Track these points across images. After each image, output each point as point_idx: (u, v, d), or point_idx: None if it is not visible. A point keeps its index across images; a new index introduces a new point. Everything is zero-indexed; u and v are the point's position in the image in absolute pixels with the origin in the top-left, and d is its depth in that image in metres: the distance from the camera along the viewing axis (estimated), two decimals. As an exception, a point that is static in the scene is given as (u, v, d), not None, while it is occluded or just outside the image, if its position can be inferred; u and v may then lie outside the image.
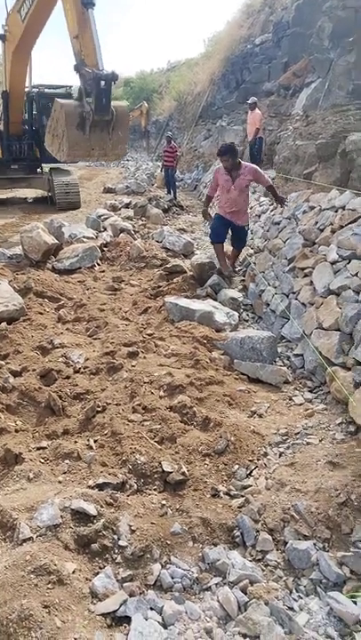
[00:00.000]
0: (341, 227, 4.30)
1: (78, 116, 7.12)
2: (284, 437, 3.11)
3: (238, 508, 2.56)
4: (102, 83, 7.08)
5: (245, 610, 2.06)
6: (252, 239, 6.98)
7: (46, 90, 13.64)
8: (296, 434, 3.13)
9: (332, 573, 2.19)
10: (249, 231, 7.39)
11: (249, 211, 8.09)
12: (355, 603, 2.08)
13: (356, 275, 3.69)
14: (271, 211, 6.78)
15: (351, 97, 8.24)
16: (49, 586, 2.01)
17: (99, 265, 7.31)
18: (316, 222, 4.88)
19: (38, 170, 13.82)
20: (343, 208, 4.50)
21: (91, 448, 3.00)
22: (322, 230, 4.69)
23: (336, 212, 4.61)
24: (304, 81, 11.25)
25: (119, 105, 7.39)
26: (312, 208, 5.26)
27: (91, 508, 2.38)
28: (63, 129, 7.19)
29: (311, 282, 4.40)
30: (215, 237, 6.04)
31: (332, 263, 4.14)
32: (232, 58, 17.20)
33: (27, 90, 12.35)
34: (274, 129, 11.26)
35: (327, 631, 2.00)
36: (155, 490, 2.73)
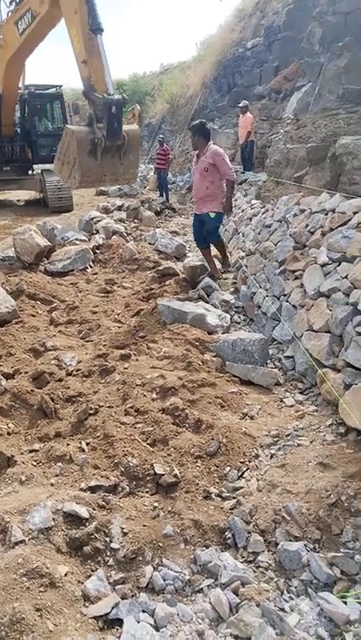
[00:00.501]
0: (331, 229, 4.34)
1: (90, 142, 7.09)
2: (275, 439, 3.13)
3: (230, 509, 2.58)
4: (113, 108, 7.06)
5: (237, 611, 2.07)
6: (243, 242, 7.02)
7: (37, 90, 13.62)
8: (287, 435, 3.16)
9: (323, 574, 2.21)
10: (240, 234, 7.42)
11: (240, 213, 8.14)
12: (345, 603, 2.10)
13: (346, 277, 3.72)
14: (263, 214, 6.82)
15: (341, 101, 8.30)
16: (41, 589, 2.01)
17: (91, 267, 7.31)
18: (307, 225, 4.91)
19: (30, 171, 13.79)
20: (333, 211, 4.53)
21: (83, 451, 3.00)
22: (312, 233, 4.73)
23: (326, 214, 4.65)
24: (295, 85, 11.32)
25: (131, 129, 7.38)
26: (303, 211, 5.29)
27: (83, 511, 2.39)
28: (75, 156, 7.10)
29: (302, 284, 4.43)
30: (197, 242, 6.02)
31: (323, 266, 4.18)
32: (224, 61, 17.29)
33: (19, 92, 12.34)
34: (265, 132, 11.33)
35: (318, 631, 2.02)
36: (147, 492, 2.73)
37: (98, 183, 7.37)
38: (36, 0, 8.83)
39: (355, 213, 4.18)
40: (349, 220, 4.19)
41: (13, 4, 9.75)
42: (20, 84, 12.01)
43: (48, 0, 8.36)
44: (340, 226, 4.25)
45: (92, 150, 7.18)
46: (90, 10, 7.31)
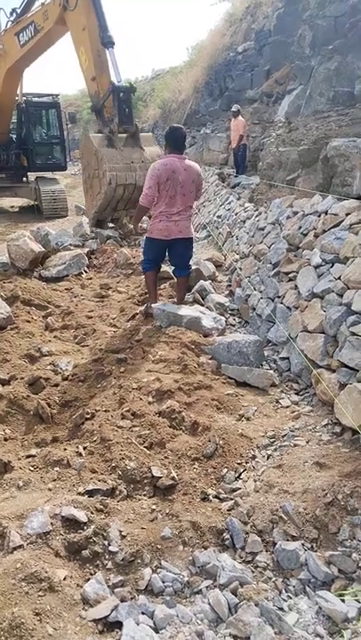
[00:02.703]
0: (324, 231, 4.37)
1: (105, 138, 7.20)
2: (271, 440, 3.15)
3: (228, 510, 2.59)
4: (122, 94, 7.14)
5: (236, 611, 2.08)
6: (237, 245, 7.05)
7: (34, 99, 13.67)
8: (283, 436, 3.17)
9: (321, 573, 2.22)
10: (234, 237, 7.46)
11: (233, 217, 8.19)
12: (343, 601, 2.11)
13: (339, 278, 3.75)
14: (256, 216, 6.86)
15: (332, 103, 8.39)
16: (40, 593, 2.01)
17: (86, 272, 7.33)
18: (300, 227, 4.95)
19: (24, 179, 13.82)
20: (326, 213, 4.57)
21: (80, 455, 3.00)
22: (305, 235, 4.76)
23: (319, 216, 4.69)
24: (286, 88, 11.41)
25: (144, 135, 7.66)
26: (295, 213, 5.33)
27: (81, 515, 2.39)
28: (95, 148, 7.22)
29: (296, 286, 4.46)
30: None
31: (316, 267, 4.21)
32: (215, 66, 17.39)
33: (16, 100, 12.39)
34: (257, 136, 11.41)
35: (316, 630, 2.03)
36: (145, 495, 2.74)
37: (128, 171, 7.36)
38: (40, 14, 8.79)
39: (347, 215, 4.22)
40: (342, 221, 4.22)
41: (14, 14, 9.73)
42: (18, 92, 12.04)
43: (55, 17, 8.31)
44: (332, 227, 4.28)
45: (109, 141, 7.24)
46: (101, 25, 7.34)
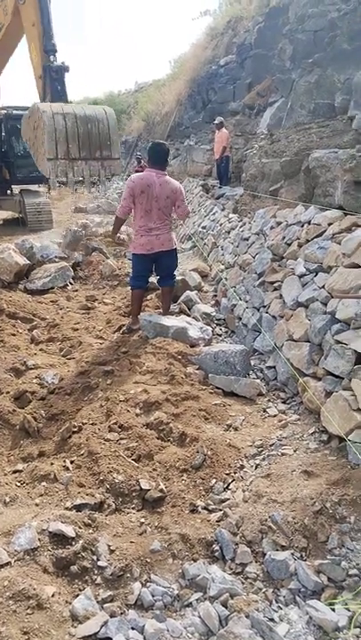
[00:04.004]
0: (308, 241, 4.43)
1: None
2: (259, 449, 3.15)
3: (217, 522, 2.58)
4: (54, 73, 7.39)
5: (227, 624, 2.07)
6: (222, 255, 7.10)
7: (14, 111, 13.65)
8: (271, 445, 3.18)
9: (311, 582, 2.22)
10: (219, 248, 7.51)
11: (218, 227, 8.25)
12: (333, 610, 2.11)
13: (323, 287, 3.80)
14: (240, 227, 6.92)
15: (313, 116, 8.53)
16: (28, 611, 1.99)
17: (71, 284, 7.31)
18: (284, 237, 5.00)
19: (8, 191, 13.77)
20: (309, 223, 4.63)
21: (67, 469, 2.98)
22: (289, 245, 4.82)
23: (302, 226, 4.75)
24: (268, 100, 11.58)
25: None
26: (279, 223, 5.39)
27: (69, 530, 2.36)
28: (28, 113, 7.42)
29: (281, 295, 4.50)
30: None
31: (300, 276, 4.25)
32: (198, 79, 17.58)
33: None
34: (240, 147, 11.53)
35: (307, 640, 2.03)
36: (133, 508, 2.72)
37: (64, 105, 7.35)
38: (0, 11, 9.04)
39: (329, 225, 4.28)
40: (324, 231, 4.28)
41: None
42: None
43: (11, 9, 8.59)
44: (315, 237, 4.34)
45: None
46: (44, 31, 7.55)
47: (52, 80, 7.52)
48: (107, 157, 7.55)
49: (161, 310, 5.32)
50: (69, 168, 7.38)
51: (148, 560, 2.34)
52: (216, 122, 11.44)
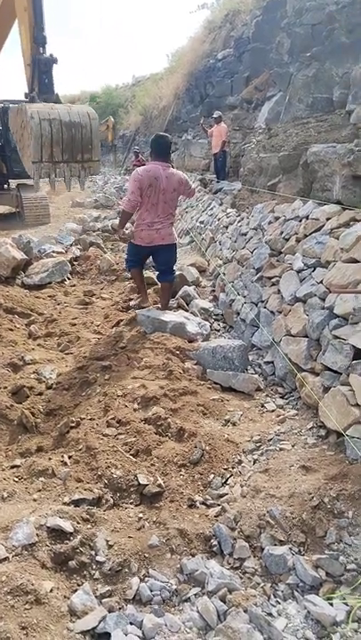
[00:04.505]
0: (306, 236, 4.42)
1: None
2: (257, 444, 3.15)
3: (215, 517, 2.58)
4: (42, 66, 7.56)
5: (225, 618, 2.07)
6: (220, 250, 7.08)
7: (11, 105, 13.56)
8: (269, 440, 3.18)
9: (309, 577, 2.23)
10: (217, 243, 7.50)
11: (216, 222, 8.23)
12: (331, 604, 2.12)
13: (321, 282, 3.79)
14: (238, 222, 6.90)
15: (311, 110, 8.49)
16: (26, 606, 1.98)
17: (69, 279, 7.29)
18: (282, 232, 4.99)
19: (5, 186, 13.71)
20: (307, 218, 4.62)
21: (65, 464, 2.97)
22: (287, 240, 4.81)
23: (300, 221, 4.74)
24: (266, 95, 11.53)
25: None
26: (277, 218, 5.38)
27: (67, 525, 2.36)
28: (16, 110, 7.59)
29: (279, 290, 4.49)
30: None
31: (298, 271, 4.25)
32: (195, 72, 17.49)
33: None
34: (238, 142, 11.49)
35: (305, 634, 2.03)
36: (131, 503, 2.72)
37: (50, 110, 7.51)
38: None
39: (327, 219, 4.27)
40: (322, 226, 4.27)
41: None
42: None
43: None
44: (313, 232, 4.33)
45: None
46: (35, 22, 7.69)
47: (41, 73, 7.69)
48: (87, 160, 8.00)
49: (159, 305, 5.31)
50: (52, 170, 7.82)
51: (147, 555, 2.34)
52: (215, 116, 11.39)
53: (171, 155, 5.09)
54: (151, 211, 4.78)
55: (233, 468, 2.97)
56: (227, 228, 7.41)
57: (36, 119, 7.19)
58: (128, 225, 5.76)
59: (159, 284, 5.43)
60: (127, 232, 5.23)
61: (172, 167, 4.95)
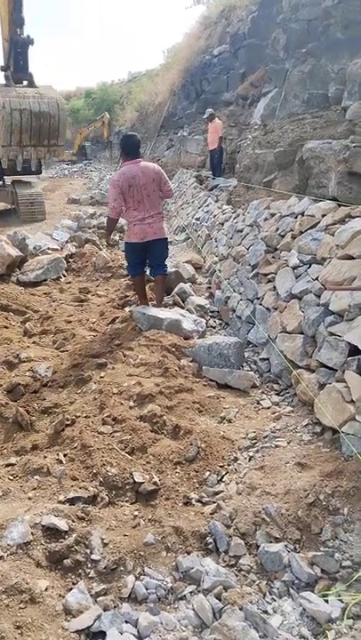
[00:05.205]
0: (301, 232, 4.41)
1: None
2: (253, 441, 3.15)
3: (210, 514, 2.57)
4: (20, 48, 8.03)
5: (220, 616, 2.07)
6: (216, 247, 7.07)
7: None
8: (265, 437, 3.18)
9: (304, 574, 2.23)
10: (213, 239, 7.48)
11: (212, 219, 8.21)
12: (326, 601, 2.12)
13: (317, 279, 3.79)
14: (234, 219, 6.89)
15: (307, 106, 8.47)
16: (21, 605, 1.97)
17: (64, 276, 7.26)
18: (277, 229, 4.98)
19: (0, 182, 13.64)
20: (302, 214, 4.61)
21: (60, 462, 2.96)
22: (283, 236, 4.80)
23: (296, 218, 4.73)
24: (261, 91, 11.49)
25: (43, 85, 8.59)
26: (273, 215, 5.37)
27: (62, 524, 2.35)
28: None
29: (274, 287, 4.48)
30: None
31: (294, 268, 4.24)
32: (191, 69, 17.45)
33: None
34: (234, 138, 11.46)
35: (301, 631, 2.03)
36: (127, 501, 2.71)
37: (22, 99, 8.18)
38: None
39: (323, 216, 4.26)
40: (318, 222, 4.26)
41: None
42: None
43: None
44: (309, 228, 4.32)
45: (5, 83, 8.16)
46: (15, 5, 8.09)
47: (17, 54, 8.11)
48: (53, 145, 8.83)
49: (155, 302, 5.30)
50: (20, 153, 8.67)
51: (142, 553, 2.33)
52: (205, 116, 11.37)
53: (140, 152, 5.16)
54: (139, 208, 4.86)
55: (228, 465, 2.97)
56: (222, 224, 7.40)
57: (7, 109, 7.86)
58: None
59: (153, 279, 5.42)
60: (115, 237, 5.30)
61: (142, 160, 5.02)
